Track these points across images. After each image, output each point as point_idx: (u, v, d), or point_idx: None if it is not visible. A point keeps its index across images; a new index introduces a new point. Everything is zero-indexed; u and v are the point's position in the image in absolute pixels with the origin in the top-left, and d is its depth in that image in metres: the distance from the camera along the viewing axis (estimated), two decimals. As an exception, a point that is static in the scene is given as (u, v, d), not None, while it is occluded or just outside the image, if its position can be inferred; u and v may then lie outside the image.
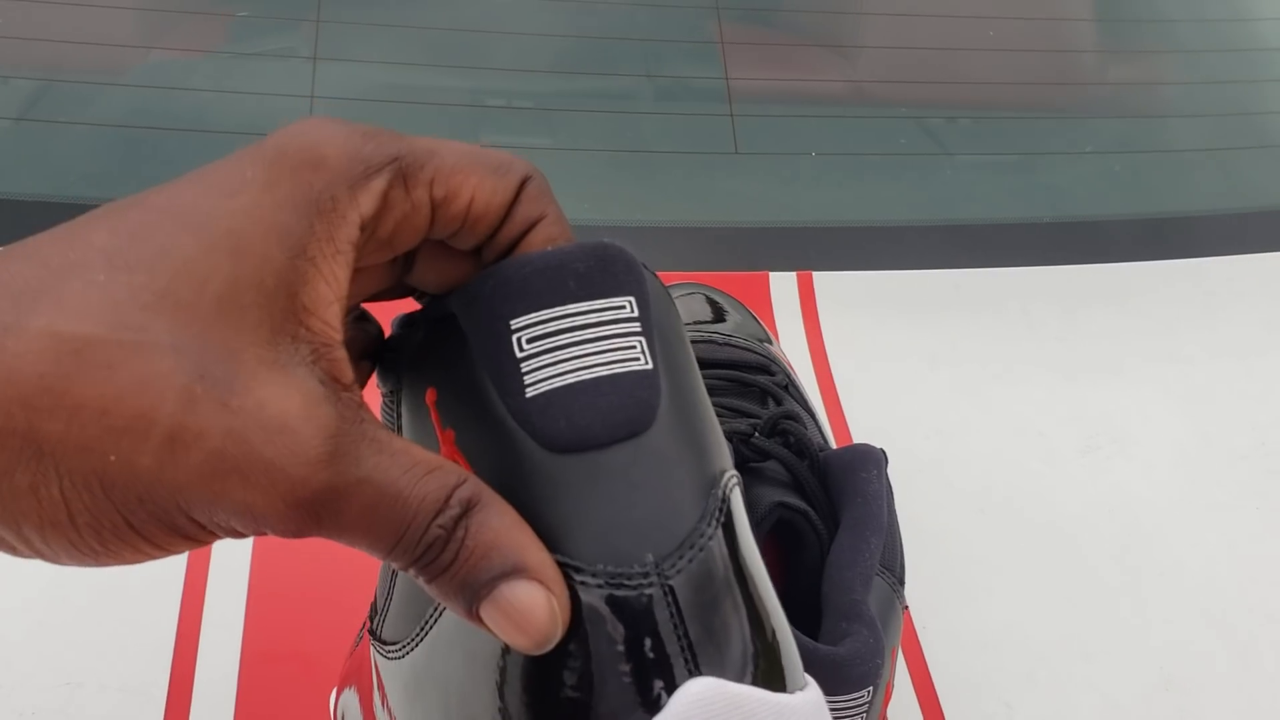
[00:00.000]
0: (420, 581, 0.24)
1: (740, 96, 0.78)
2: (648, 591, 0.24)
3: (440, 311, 0.27)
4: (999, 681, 0.52)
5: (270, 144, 0.25)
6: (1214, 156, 0.88)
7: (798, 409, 0.45)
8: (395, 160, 0.25)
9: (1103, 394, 0.68)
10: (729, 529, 0.25)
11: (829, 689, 0.35)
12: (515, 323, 0.25)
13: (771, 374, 0.52)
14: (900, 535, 0.42)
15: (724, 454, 0.27)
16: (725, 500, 0.25)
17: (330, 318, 0.25)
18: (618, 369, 0.25)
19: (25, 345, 0.22)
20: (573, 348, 0.25)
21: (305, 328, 0.24)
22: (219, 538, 0.24)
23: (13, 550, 0.24)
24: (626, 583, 0.24)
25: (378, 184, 0.25)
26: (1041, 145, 0.86)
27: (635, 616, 0.24)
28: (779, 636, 0.26)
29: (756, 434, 0.43)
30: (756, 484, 0.41)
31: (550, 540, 0.24)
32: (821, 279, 0.69)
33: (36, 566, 0.50)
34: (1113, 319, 0.73)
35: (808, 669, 0.29)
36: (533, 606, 0.23)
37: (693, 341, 0.54)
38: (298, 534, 0.23)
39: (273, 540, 0.53)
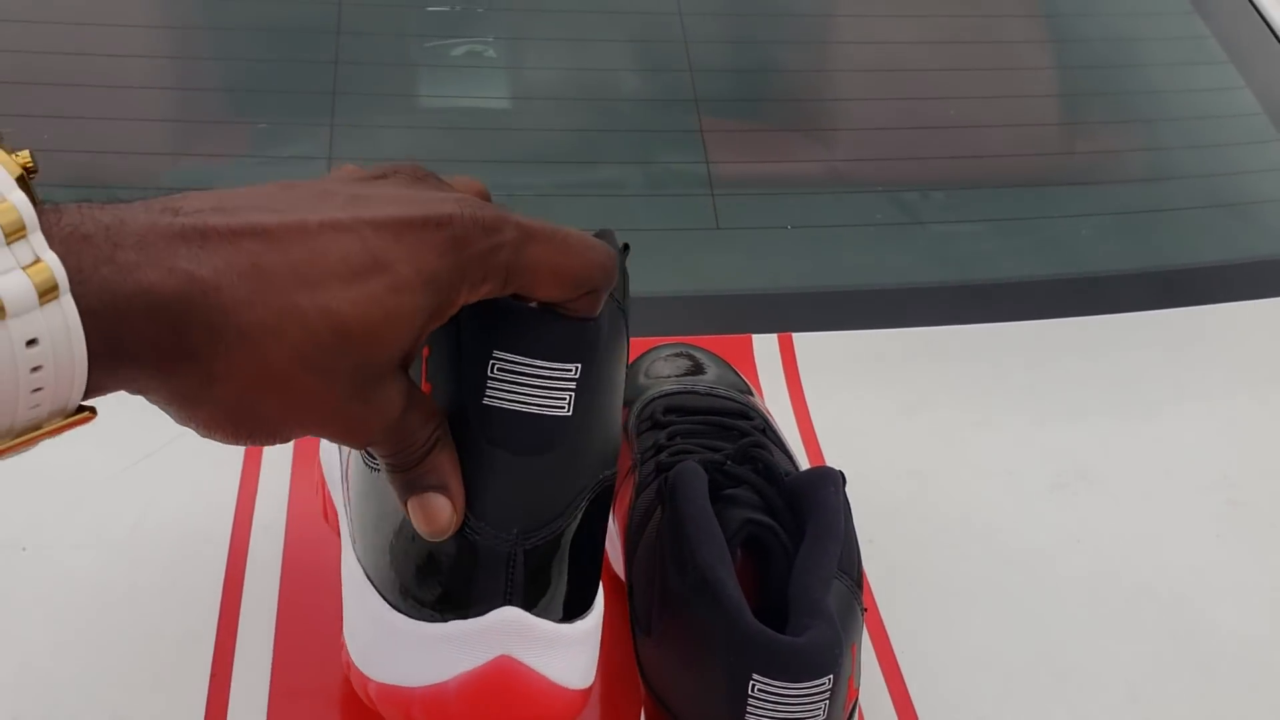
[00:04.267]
0: (384, 470, 0.37)
1: (720, 179, 0.85)
2: (505, 550, 0.37)
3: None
4: (975, 699, 0.56)
5: (449, 232, 0.34)
6: (1174, 216, 0.94)
7: (766, 439, 0.50)
8: (506, 273, 0.34)
9: (1070, 437, 0.72)
10: (583, 521, 0.39)
11: (793, 677, 0.40)
12: (497, 353, 0.37)
13: (749, 418, 0.57)
14: (858, 545, 0.46)
15: (607, 459, 0.40)
16: (583, 501, 0.39)
17: (414, 353, 0.35)
18: (546, 411, 0.37)
19: None
20: (524, 387, 0.37)
21: (407, 359, 0.35)
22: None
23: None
24: (494, 539, 0.37)
25: (485, 289, 0.34)
26: (1010, 213, 0.92)
27: (491, 560, 0.37)
28: (582, 587, 0.40)
29: (729, 462, 0.48)
30: (730, 506, 0.46)
31: (467, 490, 0.37)
32: (801, 339, 0.74)
33: (83, 614, 0.55)
34: (1078, 369, 0.77)
35: (774, 661, 0.38)
36: (441, 512, 0.37)
37: (676, 392, 0.59)
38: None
39: (300, 586, 0.58)
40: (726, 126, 0.89)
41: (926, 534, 0.64)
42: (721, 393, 0.59)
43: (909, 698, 0.55)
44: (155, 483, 0.63)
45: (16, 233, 0.28)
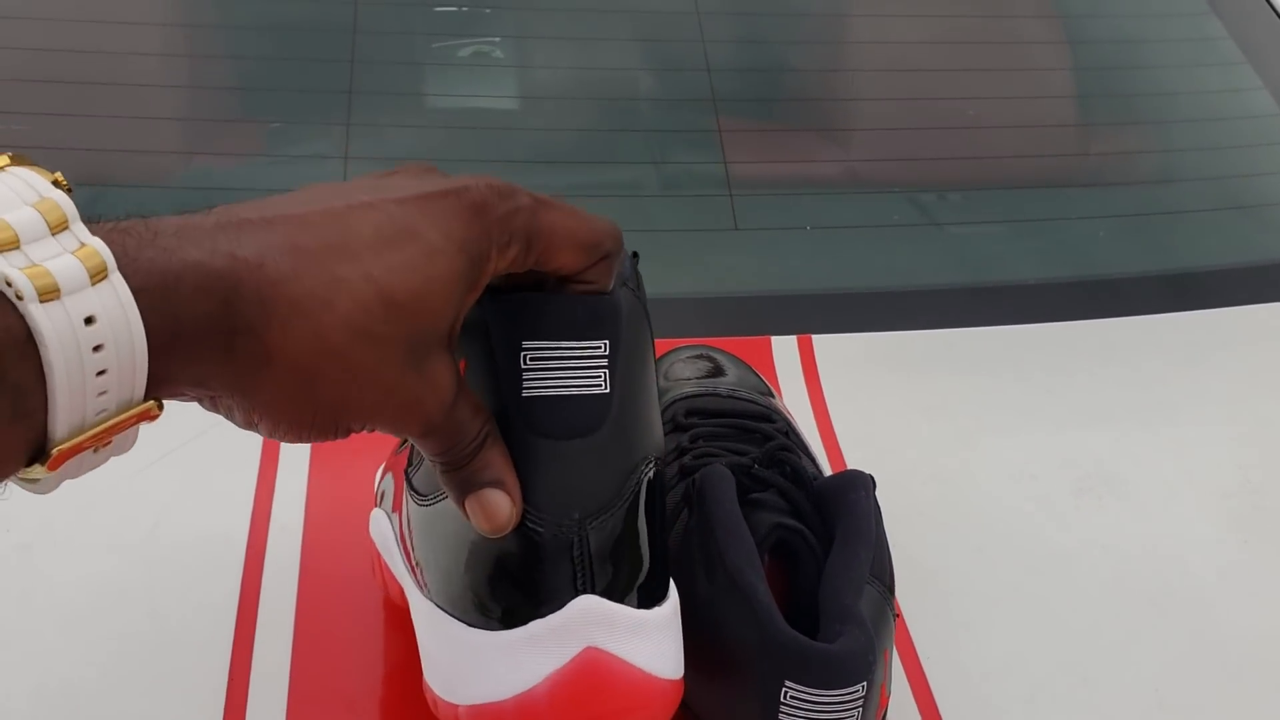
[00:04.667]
0: (439, 472, 0.37)
1: (738, 179, 0.84)
2: (569, 536, 0.37)
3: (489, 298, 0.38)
4: (1001, 705, 0.55)
5: (469, 197, 0.35)
6: (1192, 218, 0.93)
7: (792, 443, 0.49)
8: (527, 236, 0.35)
9: (1093, 441, 0.71)
10: (634, 505, 0.39)
11: (827, 683, 0.39)
12: (525, 344, 0.37)
13: (772, 421, 0.56)
14: (889, 549, 0.46)
15: (653, 443, 0.40)
16: (638, 484, 0.39)
17: (457, 328, 0.36)
18: (584, 391, 0.37)
19: None
20: (559, 371, 0.37)
21: (451, 335, 0.36)
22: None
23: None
24: (556, 528, 0.37)
25: (512, 254, 0.35)
26: (1027, 214, 0.91)
27: (557, 550, 0.37)
28: (655, 574, 0.39)
29: (756, 466, 0.47)
30: (757, 510, 0.45)
31: (522, 484, 0.37)
32: (820, 341, 0.74)
33: (99, 618, 0.54)
34: (1098, 372, 0.77)
35: (806, 667, 0.38)
36: (501, 507, 0.37)
37: (697, 394, 0.58)
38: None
39: (318, 589, 0.57)
40: (745, 127, 0.89)
41: (949, 538, 0.63)
42: (743, 395, 0.59)
43: (934, 703, 0.55)
44: (171, 485, 0.62)
45: (60, 225, 0.30)
